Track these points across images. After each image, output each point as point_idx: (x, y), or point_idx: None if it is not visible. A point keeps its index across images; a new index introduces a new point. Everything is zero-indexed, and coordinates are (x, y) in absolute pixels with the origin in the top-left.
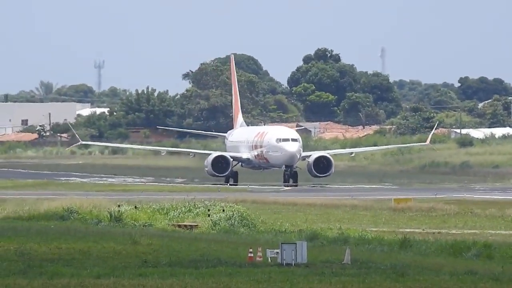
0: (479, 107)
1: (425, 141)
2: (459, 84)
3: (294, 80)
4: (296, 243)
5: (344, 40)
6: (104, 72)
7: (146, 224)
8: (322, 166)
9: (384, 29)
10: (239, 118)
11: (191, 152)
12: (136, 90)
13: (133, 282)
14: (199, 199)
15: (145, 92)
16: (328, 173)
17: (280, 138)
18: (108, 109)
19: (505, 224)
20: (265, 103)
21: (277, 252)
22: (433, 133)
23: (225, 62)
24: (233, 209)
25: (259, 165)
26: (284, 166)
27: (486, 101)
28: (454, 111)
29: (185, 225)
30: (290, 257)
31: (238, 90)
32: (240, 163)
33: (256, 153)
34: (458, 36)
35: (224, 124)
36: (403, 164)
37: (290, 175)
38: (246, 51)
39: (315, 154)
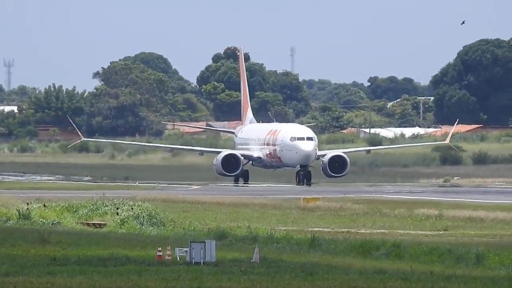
0: (388, 106)
1: (445, 140)
2: (369, 84)
3: (203, 79)
4: (205, 242)
5: (254, 39)
6: (14, 71)
7: (54, 222)
8: (337, 165)
9: (294, 28)
10: (249, 114)
11: (199, 150)
12: (45, 88)
13: (42, 280)
14: (108, 197)
15: (53, 90)
16: (343, 173)
17: (295, 136)
18: (17, 107)
19: (414, 224)
20: (174, 102)
21: (186, 251)
22: (452, 132)
23: (135, 60)
24: (142, 208)
25: (271, 164)
26: (298, 166)
27: (395, 101)
28: (364, 110)
29: (94, 224)
30: (199, 255)
31: (147, 88)
32: (250, 162)
33: (268, 152)
34: (368, 36)
35: (133, 123)
36: (312, 163)
37: (304, 175)
38: (156, 50)
39: (330, 153)
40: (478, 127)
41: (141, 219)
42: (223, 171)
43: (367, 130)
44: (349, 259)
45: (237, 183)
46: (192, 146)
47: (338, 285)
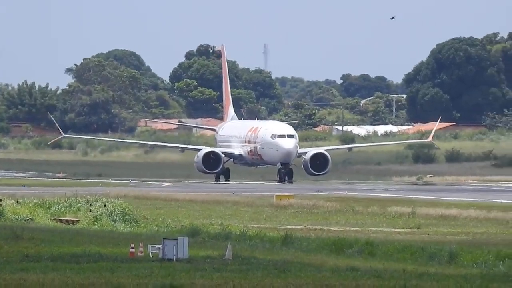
0: (361, 104)
1: (427, 138)
2: (341, 81)
3: (176, 76)
4: (177, 239)
5: (227, 36)
6: None
7: (27, 219)
8: (318, 163)
9: (266, 26)
10: (230, 111)
11: (180, 147)
12: (18, 85)
13: (15, 276)
14: (81, 193)
15: (25, 86)
16: (325, 171)
17: (276, 134)
18: None
19: (387, 222)
20: (147, 99)
21: (159, 248)
22: (435, 130)
23: (107, 57)
24: (114, 204)
25: (252, 162)
26: (279, 163)
27: (368, 99)
28: (336, 108)
29: (67, 220)
30: (171, 252)
31: (120, 85)
32: (231, 159)
33: (249, 149)
34: (341, 34)
35: (105, 119)
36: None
37: (286, 172)
38: (129, 47)
39: (312, 151)
40: (451, 125)
41: (114, 216)
42: (204, 168)
43: (339, 127)
44: (322, 257)
45: (218, 181)
46: (165, 143)
47: (311, 282)
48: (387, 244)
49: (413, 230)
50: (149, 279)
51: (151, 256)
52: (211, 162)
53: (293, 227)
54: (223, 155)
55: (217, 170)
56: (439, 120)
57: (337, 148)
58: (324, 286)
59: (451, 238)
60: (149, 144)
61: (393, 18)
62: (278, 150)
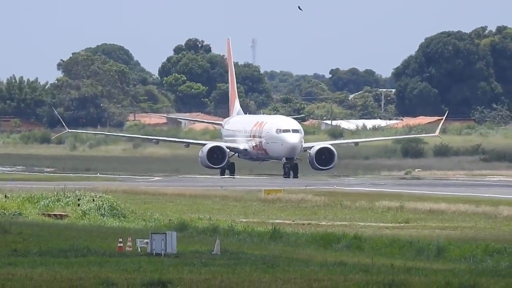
0: (349, 98)
1: (434, 133)
2: (330, 76)
3: (165, 70)
4: (166, 233)
5: (215, 30)
6: None
7: (16, 213)
8: (324, 158)
9: (255, 20)
10: (236, 105)
11: (185, 142)
12: (7, 79)
13: (3, 271)
14: (69, 188)
15: (14, 81)
16: (331, 166)
17: (281, 128)
18: None
19: (375, 216)
20: (135, 94)
21: (147, 242)
22: (441, 124)
23: (96, 52)
24: (103, 199)
25: (257, 157)
26: (284, 158)
27: (357, 93)
28: (325, 102)
29: (55, 215)
30: (159, 247)
31: (108, 80)
32: (237, 154)
33: (254, 144)
34: (329, 28)
35: (94, 114)
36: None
37: (291, 167)
38: (117, 41)
39: (317, 146)
40: (439, 119)
41: (103, 210)
42: (209, 163)
43: (328, 122)
44: (310, 251)
45: (223, 176)
46: (155, 137)
47: (299, 277)
48: (375, 239)
49: (401, 224)
50: (137, 274)
51: (139, 250)
52: (216, 156)
53: (282, 221)
54: (228, 150)
55: (222, 165)
56: (446, 113)
57: (341, 143)
58: (312, 281)
59: (439, 232)
60: (154, 138)
61: (299, 8)
62: (283, 144)
